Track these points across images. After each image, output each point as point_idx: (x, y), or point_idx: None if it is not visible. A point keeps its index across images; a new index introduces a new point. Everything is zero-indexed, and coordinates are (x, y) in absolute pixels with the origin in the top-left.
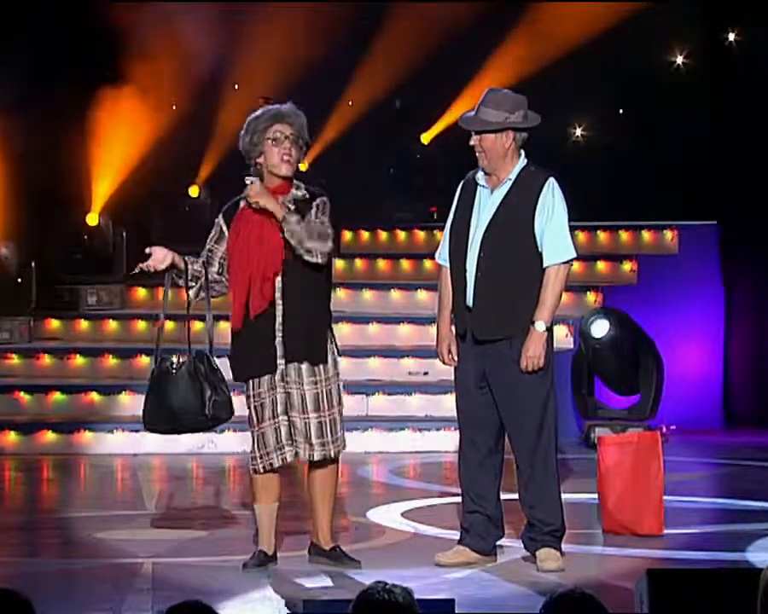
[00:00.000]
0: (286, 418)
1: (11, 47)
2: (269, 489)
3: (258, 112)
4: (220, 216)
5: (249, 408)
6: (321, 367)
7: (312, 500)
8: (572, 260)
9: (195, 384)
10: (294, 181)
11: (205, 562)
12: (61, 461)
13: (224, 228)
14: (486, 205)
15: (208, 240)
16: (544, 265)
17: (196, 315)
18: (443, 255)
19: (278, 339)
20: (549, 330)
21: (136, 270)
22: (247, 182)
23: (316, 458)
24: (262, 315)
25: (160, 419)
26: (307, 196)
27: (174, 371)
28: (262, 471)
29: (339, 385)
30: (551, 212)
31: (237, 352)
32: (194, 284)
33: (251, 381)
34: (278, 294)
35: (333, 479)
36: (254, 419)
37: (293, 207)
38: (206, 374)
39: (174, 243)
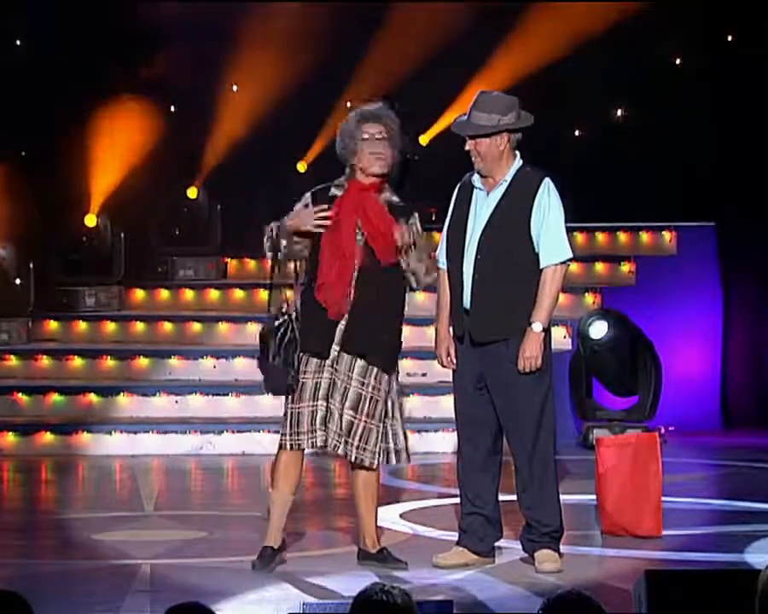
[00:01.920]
0: (325, 403)
1: (12, 48)
2: (289, 477)
3: (351, 112)
4: (309, 194)
5: (291, 384)
6: (375, 370)
7: (356, 504)
8: (568, 261)
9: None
10: (387, 185)
11: (203, 563)
12: (60, 462)
13: (311, 207)
14: (483, 207)
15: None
16: (541, 266)
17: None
18: (440, 258)
19: (340, 326)
20: (547, 331)
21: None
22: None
23: (340, 452)
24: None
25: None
26: (401, 204)
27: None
28: (288, 448)
29: (389, 404)
30: (547, 213)
31: (302, 324)
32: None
33: (303, 356)
34: (353, 284)
35: (374, 482)
36: (294, 396)
37: (386, 207)
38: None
39: (172, 244)
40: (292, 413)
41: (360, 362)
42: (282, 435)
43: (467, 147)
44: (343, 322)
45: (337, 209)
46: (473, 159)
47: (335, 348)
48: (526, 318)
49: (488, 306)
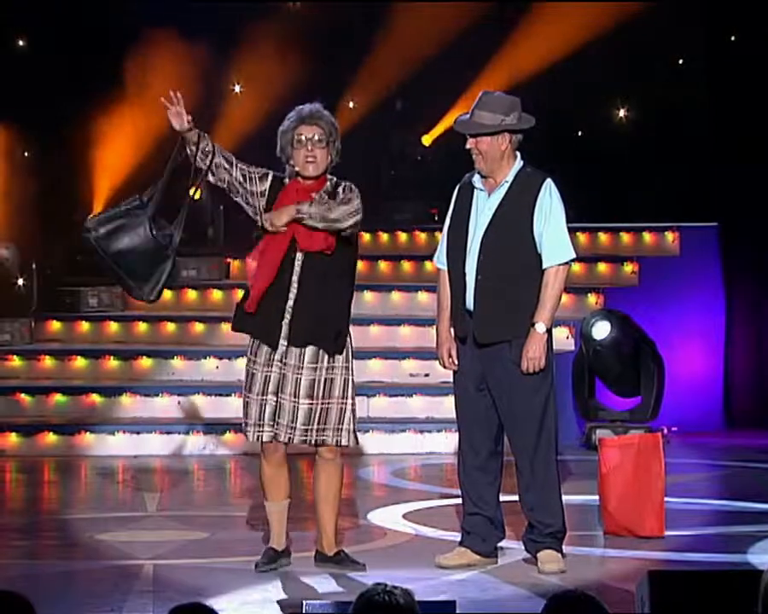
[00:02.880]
0: (275, 398)
1: (14, 50)
2: (278, 485)
3: (291, 113)
4: (271, 175)
5: (246, 368)
6: (324, 355)
7: (316, 503)
8: (571, 261)
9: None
10: (329, 175)
11: (206, 564)
12: (62, 463)
13: (266, 185)
14: (484, 208)
15: (247, 165)
16: (544, 267)
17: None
18: (441, 258)
19: (285, 320)
20: (549, 331)
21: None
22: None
23: (295, 442)
24: (275, 291)
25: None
26: (335, 181)
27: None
28: (250, 439)
29: (348, 379)
30: (549, 214)
31: (245, 306)
32: (202, 157)
33: (252, 342)
34: (295, 277)
35: (337, 482)
36: (245, 384)
37: (325, 198)
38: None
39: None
40: (244, 402)
41: (309, 351)
42: (243, 424)
43: (468, 146)
44: (288, 316)
45: (281, 201)
46: (473, 157)
47: (283, 343)
48: (529, 319)
49: (491, 307)
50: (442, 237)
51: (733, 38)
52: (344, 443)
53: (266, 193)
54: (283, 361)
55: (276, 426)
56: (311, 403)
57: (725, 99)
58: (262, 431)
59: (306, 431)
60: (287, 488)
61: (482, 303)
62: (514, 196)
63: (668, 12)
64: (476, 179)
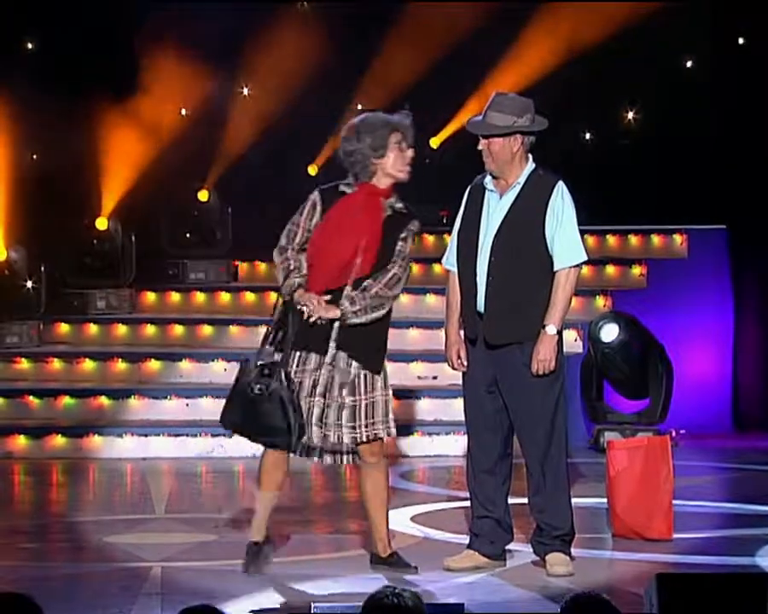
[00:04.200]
0: (322, 400)
1: (21, 52)
2: (272, 476)
3: (367, 116)
4: (317, 192)
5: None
6: (369, 374)
7: (366, 507)
8: (582, 263)
9: (283, 408)
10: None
11: (214, 566)
12: (71, 465)
13: (320, 208)
14: (495, 209)
15: (303, 219)
16: (555, 269)
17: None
18: (450, 260)
19: (336, 324)
20: (560, 333)
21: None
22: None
23: (347, 440)
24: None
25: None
26: (404, 211)
27: (262, 393)
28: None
29: (386, 371)
30: (561, 216)
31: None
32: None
33: (298, 354)
34: (348, 286)
35: (384, 484)
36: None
37: (389, 213)
38: (290, 398)
39: (183, 247)
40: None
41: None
42: None
43: (480, 147)
44: (337, 323)
45: (345, 205)
46: (485, 158)
47: (332, 345)
48: (540, 321)
49: (502, 309)
50: (452, 238)
51: (740, 41)
52: (393, 433)
53: (320, 214)
54: (332, 363)
55: (323, 427)
56: (355, 400)
57: (734, 101)
58: (311, 432)
59: (353, 428)
60: (280, 480)
61: (493, 304)
62: (526, 198)
63: (676, 14)
64: (488, 180)
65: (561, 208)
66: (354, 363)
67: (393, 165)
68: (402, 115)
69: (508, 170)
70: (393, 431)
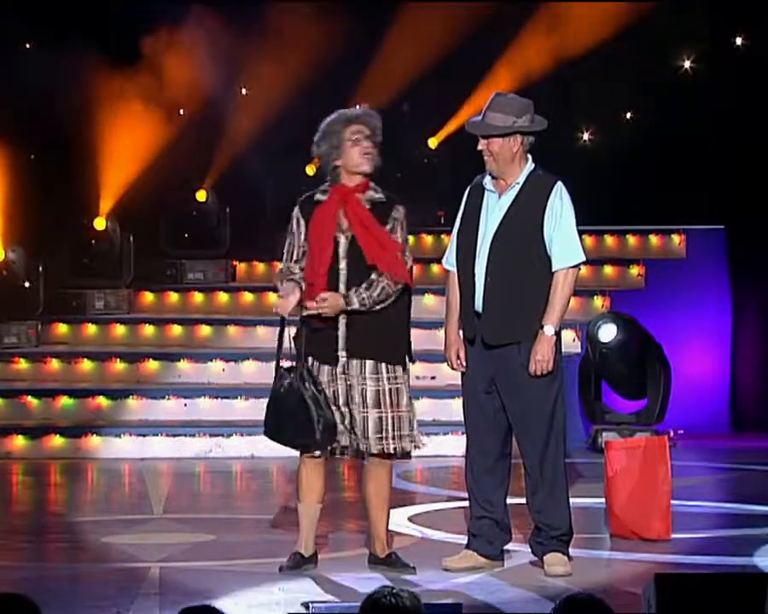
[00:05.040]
0: (347, 409)
1: (21, 51)
2: (313, 488)
3: (332, 116)
4: (297, 209)
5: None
6: (386, 365)
7: (367, 507)
8: (580, 264)
9: (307, 408)
10: (372, 183)
11: (212, 566)
12: (69, 466)
13: (302, 221)
14: (494, 209)
15: (292, 235)
16: (553, 269)
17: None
18: (450, 260)
19: (341, 331)
20: (558, 334)
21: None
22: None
23: (374, 450)
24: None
25: (276, 431)
26: (384, 200)
27: (284, 390)
28: (317, 455)
29: (406, 387)
30: (560, 216)
31: (303, 331)
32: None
33: (314, 363)
34: (342, 287)
35: (387, 485)
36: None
37: (368, 207)
38: (314, 396)
39: (181, 247)
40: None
41: (370, 361)
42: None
43: (479, 147)
44: (342, 327)
45: (320, 214)
46: (485, 158)
47: (342, 354)
48: (539, 321)
49: (500, 309)
50: (452, 238)
51: (740, 41)
52: (421, 445)
53: (304, 227)
54: (345, 372)
55: (351, 436)
56: (381, 413)
57: (733, 101)
58: (339, 442)
59: (380, 439)
60: (320, 491)
61: (491, 304)
62: (524, 198)
63: (675, 14)
64: (487, 181)
65: (560, 208)
66: (372, 377)
67: (351, 160)
68: (362, 109)
69: (507, 170)
70: (420, 442)
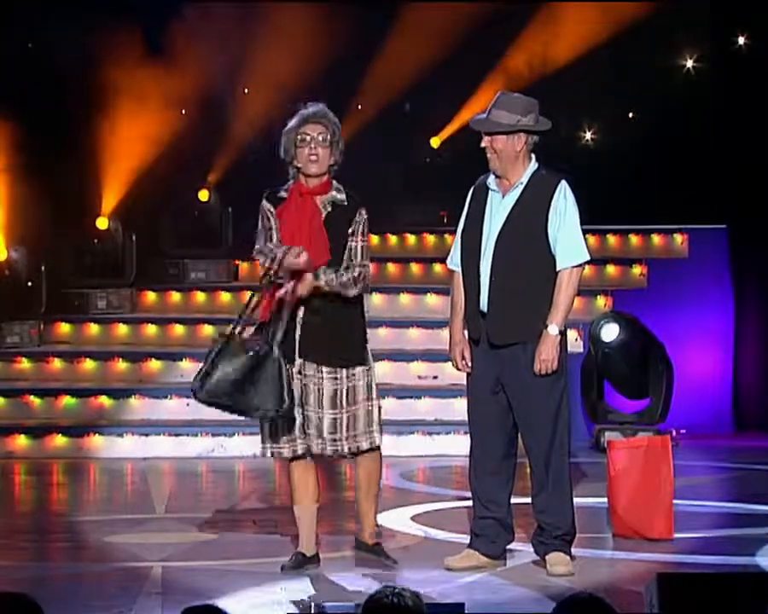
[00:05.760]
0: (300, 410)
1: (22, 50)
2: (308, 489)
3: (293, 117)
4: (265, 201)
5: None
6: (343, 368)
7: (357, 496)
8: (585, 263)
9: (280, 379)
10: (335, 182)
11: (214, 566)
12: (71, 465)
13: (271, 208)
14: (498, 209)
15: (263, 224)
16: (557, 268)
17: None
18: (455, 260)
19: (297, 333)
20: (563, 333)
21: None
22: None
23: (329, 452)
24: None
25: (226, 394)
26: (346, 203)
27: (258, 356)
28: (270, 456)
29: (370, 381)
30: (564, 216)
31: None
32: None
33: None
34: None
35: (376, 474)
36: None
37: (330, 209)
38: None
39: (184, 247)
40: (271, 424)
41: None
42: (262, 445)
43: (483, 145)
44: (298, 332)
45: (282, 216)
46: (488, 156)
47: (296, 355)
48: (543, 321)
49: (505, 309)
50: (456, 238)
51: (740, 40)
52: (377, 443)
53: (274, 219)
54: (302, 372)
55: (307, 437)
56: (336, 414)
57: (733, 100)
58: (295, 445)
59: (335, 441)
60: (315, 491)
61: (496, 304)
62: (528, 197)
63: (676, 14)
64: (491, 180)
65: (564, 208)
66: (329, 377)
67: (299, 162)
68: (315, 108)
69: (511, 169)
70: (378, 440)
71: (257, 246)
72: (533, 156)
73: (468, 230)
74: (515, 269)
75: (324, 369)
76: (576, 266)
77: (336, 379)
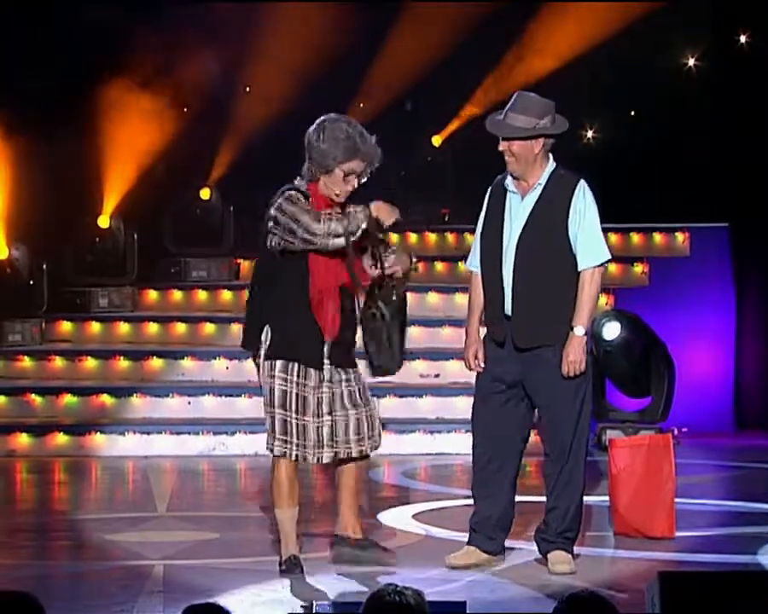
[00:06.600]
0: (330, 418)
1: (22, 50)
2: (293, 492)
3: (342, 128)
4: (293, 191)
5: (286, 391)
6: (353, 369)
7: (343, 496)
8: (606, 262)
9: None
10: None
11: (216, 564)
12: (73, 463)
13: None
14: (518, 211)
15: (301, 206)
16: (579, 269)
17: None
18: (474, 262)
19: (327, 341)
20: (587, 334)
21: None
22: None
23: (354, 454)
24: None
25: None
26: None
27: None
28: (293, 458)
29: (365, 380)
30: (584, 215)
31: (286, 329)
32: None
33: (292, 365)
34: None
35: (364, 475)
36: (292, 406)
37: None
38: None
39: (185, 245)
40: (297, 424)
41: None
42: (283, 443)
43: (500, 148)
44: (330, 339)
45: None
46: (506, 159)
47: (326, 362)
48: (568, 322)
49: (530, 311)
50: (475, 240)
51: (741, 39)
52: (379, 445)
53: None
54: (331, 380)
55: (335, 445)
56: (358, 413)
57: (734, 99)
58: (322, 453)
59: (359, 441)
60: (297, 493)
61: (520, 306)
62: (548, 198)
63: (676, 14)
64: (508, 182)
65: (584, 207)
66: (344, 377)
67: (334, 188)
68: (369, 140)
69: (529, 171)
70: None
71: (312, 218)
72: (551, 156)
73: (487, 233)
74: (538, 271)
75: (342, 371)
76: (597, 266)
77: (350, 380)
